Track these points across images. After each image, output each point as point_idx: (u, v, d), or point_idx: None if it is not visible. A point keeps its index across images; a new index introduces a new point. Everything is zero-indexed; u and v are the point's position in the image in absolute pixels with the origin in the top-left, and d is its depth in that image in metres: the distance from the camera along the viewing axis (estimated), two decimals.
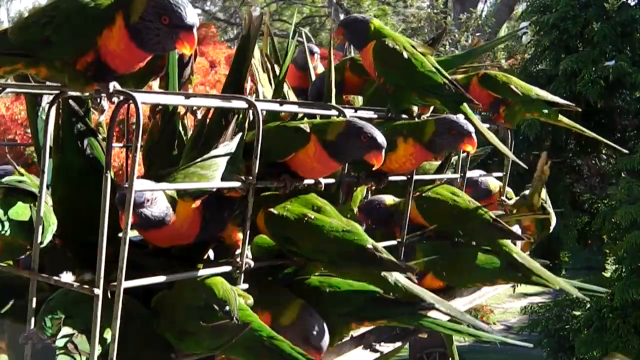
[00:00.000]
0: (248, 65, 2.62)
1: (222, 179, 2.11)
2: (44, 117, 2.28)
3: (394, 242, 2.77)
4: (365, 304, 2.32)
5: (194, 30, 1.87)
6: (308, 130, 2.27)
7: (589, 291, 3.19)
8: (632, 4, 10.74)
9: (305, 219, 2.27)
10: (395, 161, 2.65)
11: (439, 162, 3.40)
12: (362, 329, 2.53)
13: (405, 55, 2.77)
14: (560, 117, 3.34)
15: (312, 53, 3.37)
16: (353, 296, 2.32)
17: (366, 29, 2.84)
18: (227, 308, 1.96)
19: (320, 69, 3.48)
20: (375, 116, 2.81)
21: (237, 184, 2.10)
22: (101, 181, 1.80)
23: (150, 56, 1.96)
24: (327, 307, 2.17)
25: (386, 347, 2.67)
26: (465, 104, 2.78)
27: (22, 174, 2.23)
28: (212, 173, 2.09)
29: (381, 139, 2.26)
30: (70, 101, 2.35)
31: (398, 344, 2.72)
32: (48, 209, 2.14)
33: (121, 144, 3.07)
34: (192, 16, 1.85)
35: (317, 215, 2.30)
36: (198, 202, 2.05)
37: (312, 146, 2.27)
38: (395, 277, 2.38)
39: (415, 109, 2.92)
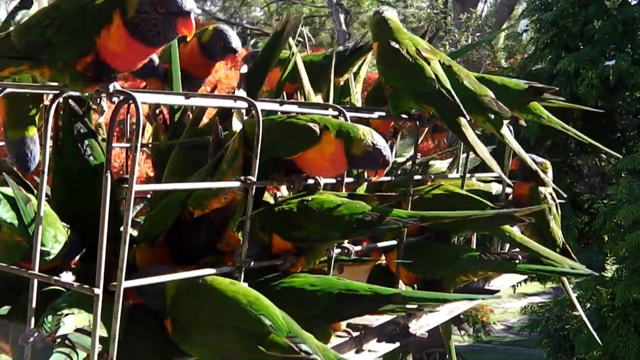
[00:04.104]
0: (276, 60, 2.69)
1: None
2: None
3: (393, 242, 2.78)
4: (331, 305, 2.28)
5: (192, 15, 1.87)
6: (318, 130, 2.28)
7: (581, 275, 3.13)
8: (633, 3, 10.74)
9: (305, 202, 2.32)
10: None
11: (447, 161, 3.42)
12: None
13: (406, 58, 2.73)
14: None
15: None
16: (318, 297, 2.28)
17: (374, 28, 2.85)
18: (304, 347, 1.95)
19: None
20: (376, 116, 2.81)
21: (236, 183, 2.10)
22: (100, 183, 1.80)
23: (152, 52, 1.96)
24: (294, 312, 2.12)
25: (385, 348, 2.67)
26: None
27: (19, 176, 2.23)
28: None
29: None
30: (71, 101, 2.36)
31: (397, 344, 2.72)
32: (54, 217, 2.15)
33: (121, 144, 3.08)
34: (188, 1, 1.86)
35: (314, 196, 2.35)
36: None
37: (331, 147, 2.30)
38: None
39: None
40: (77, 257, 2.19)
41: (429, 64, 2.74)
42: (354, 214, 2.29)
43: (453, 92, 2.70)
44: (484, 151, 2.72)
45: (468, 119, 2.70)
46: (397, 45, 2.77)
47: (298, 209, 2.33)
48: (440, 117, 2.75)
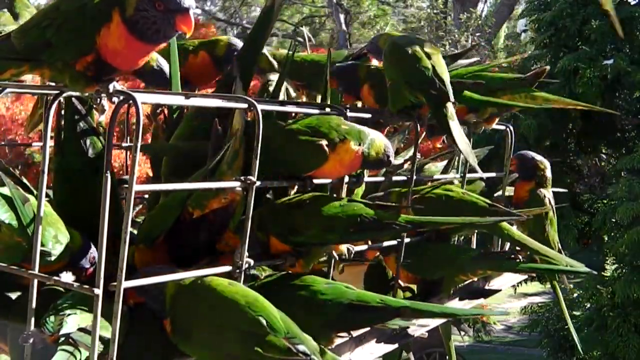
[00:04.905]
0: (266, 38, 2.68)
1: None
2: None
3: (393, 242, 2.78)
4: (341, 314, 2.28)
5: (191, 12, 1.87)
6: (327, 150, 2.31)
7: (580, 272, 3.11)
8: (632, 3, 10.75)
9: (304, 205, 2.34)
10: None
11: (443, 163, 3.42)
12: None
13: (406, 50, 2.71)
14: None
15: None
16: (328, 306, 2.28)
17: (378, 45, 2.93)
18: (302, 348, 1.94)
19: None
20: (376, 116, 2.80)
21: (236, 183, 2.10)
22: (101, 182, 1.80)
23: (152, 50, 1.96)
24: (304, 319, 2.12)
25: (385, 348, 2.67)
26: (448, 105, 2.66)
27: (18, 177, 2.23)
28: None
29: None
30: (74, 99, 2.35)
31: (397, 344, 2.72)
32: (55, 217, 2.15)
33: (121, 144, 3.08)
34: None
35: (312, 199, 2.37)
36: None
37: (350, 155, 2.35)
38: None
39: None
40: (92, 268, 2.19)
41: (429, 57, 2.71)
42: (352, 217, 2.30)
43: (447, 82, 2.66)
44: (465, 144, 2.67)
45: (453, 101, 2.65)
46: (401, 41, 2.77)
47: (296, 213, 2.34)
48: (428, 106, 2.72)
